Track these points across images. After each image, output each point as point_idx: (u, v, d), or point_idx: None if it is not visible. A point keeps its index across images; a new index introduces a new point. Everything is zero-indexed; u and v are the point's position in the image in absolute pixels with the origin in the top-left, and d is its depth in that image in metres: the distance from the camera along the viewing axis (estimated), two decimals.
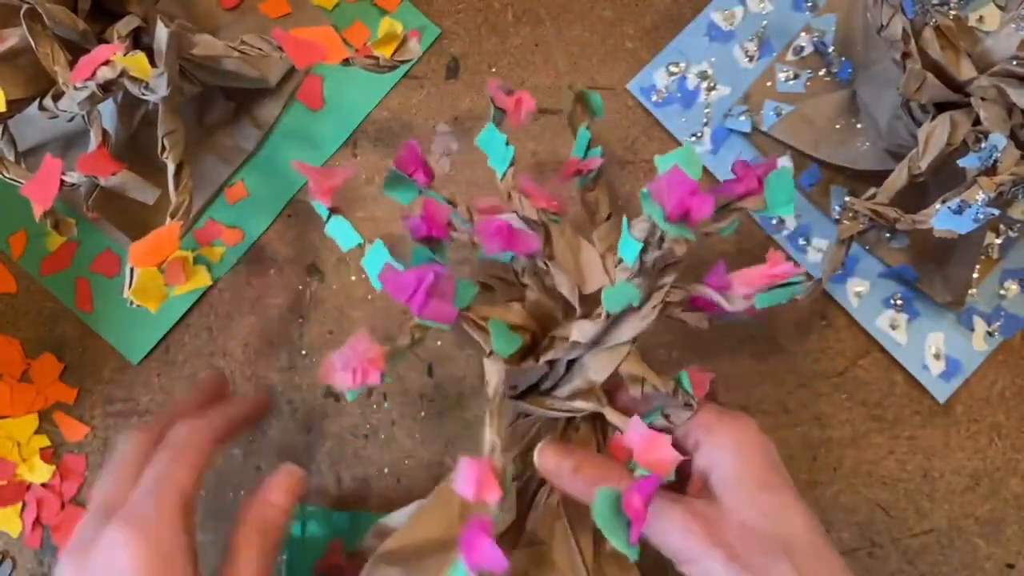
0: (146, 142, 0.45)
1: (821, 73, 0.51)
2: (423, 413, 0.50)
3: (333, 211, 0.40)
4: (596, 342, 0.38)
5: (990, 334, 0.50)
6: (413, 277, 0.34)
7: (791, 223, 0.51)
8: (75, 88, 0.39)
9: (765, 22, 0.52)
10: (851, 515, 0.49)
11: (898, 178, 0.43)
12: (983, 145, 0.40)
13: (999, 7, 0.44)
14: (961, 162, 0.41)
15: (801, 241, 0.51)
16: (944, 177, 0.44)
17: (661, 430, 0.37)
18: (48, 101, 0.43)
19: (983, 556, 0.49)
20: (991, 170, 0.40)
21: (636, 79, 0.52)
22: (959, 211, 0.39)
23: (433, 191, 0.40)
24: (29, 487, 0.49)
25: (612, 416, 0.37)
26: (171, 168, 0.43)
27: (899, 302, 0.50)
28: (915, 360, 0.50)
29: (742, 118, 0.51)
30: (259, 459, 0.50)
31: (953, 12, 0.50)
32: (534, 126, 0.52)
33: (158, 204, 0.44)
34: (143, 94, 0.41)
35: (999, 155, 0.40)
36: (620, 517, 0.32)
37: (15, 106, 0.42)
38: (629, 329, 0.37)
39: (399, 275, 0.35)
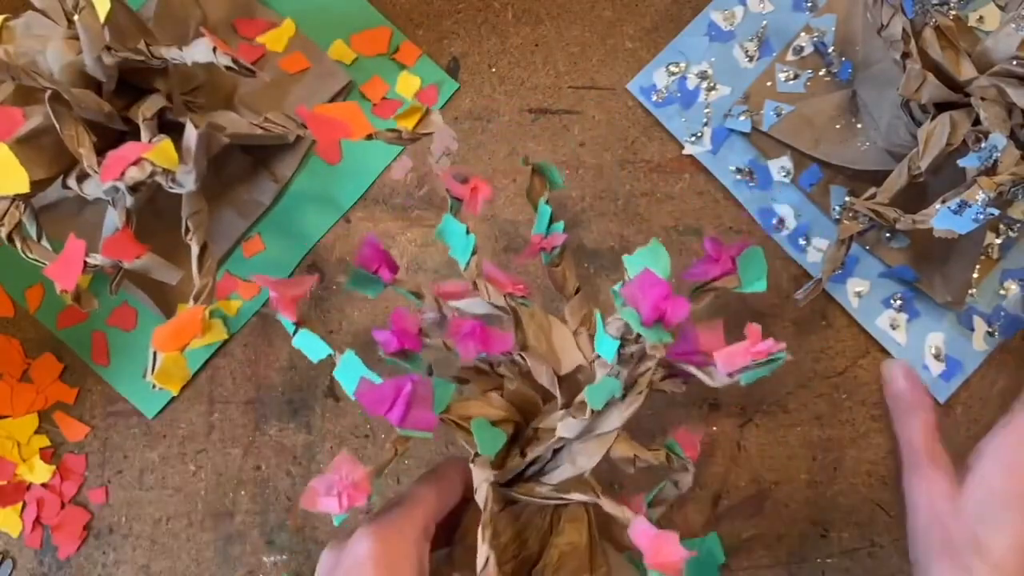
0: (165, 202, 0.45)
1: (821, 73, 0.51)
2: None
3: (299, 325, 0.39)
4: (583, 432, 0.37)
5: (990, 334, 0.50)
6: (391, 389, 0.34)
7: (791, 223, 0.51)
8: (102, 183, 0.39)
9: (765, 22, 0.52)
10: (851, 515, 0.49)
11: (898, 178, 0.43)
12: (983, 145, 0.40)
13: (999, 7, 0.44)
14: (961, 162, 0.41)
15: (801, 241, 0.51)
16: (944, 177, 0.44)
17: (672, 498, 0.39)
18: (72, 182, 0.43)
19: None
20: (991, 170, 0.40)
21: (636, 79, 0.52)
22: (959, 211, 0.39)
23: (399, 285, 0.40)
24: (29, 487, 0.49)
25: (611, 508, 0.37)
26: (195, 250, 0.43)
27: (899, 302, 0.50)
28: (915, 360, 0.50)
29: (742, 118, 0.51)
30: (259, 459, 0.50)
31: (953, 12, 0.50)
32: (534, 127, 0.52)
33: (182, 261, 0.43)
34: (170, 187, 0.40)
35: (999, 155, 0.40)
36: None
37: (38, 186, 0.42)
38: (615, 418, 0.36)
39: (375, 389, 0.34)
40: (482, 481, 0.36)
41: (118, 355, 0.51)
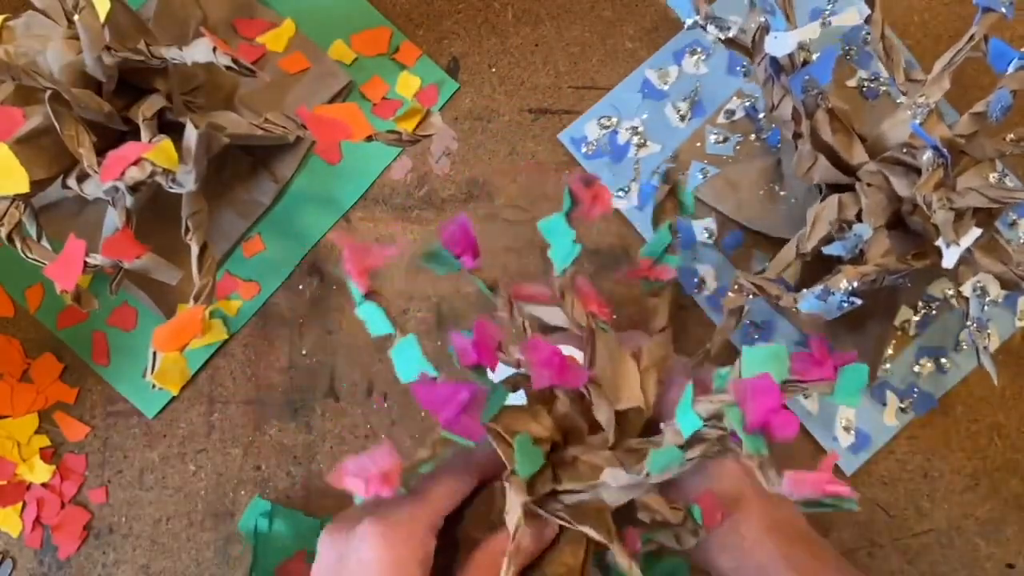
0: (165, 202, 0.45)
1: (751, 138, 0.51)
2: (423, 413, 0.50)
3: (368, 295, 0.37)
4: None
5: (902, 410, 0.50)
6: (448, 391, 0.33)
7: (711, 284, 0.50)
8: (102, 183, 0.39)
9: (699, 84, 0.52)
10: (851, 515, 0.49)
11: (787, 255, 0.42)
12: (847, 234, 0.40)
13: (902, 92, 0.43)
14: (826, 250, 0.40)
15: (721, 302, 0.50)
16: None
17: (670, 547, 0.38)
18: (72, 181, 0.43)
19: (983, 556, 0.49)
20: (859, 258, 0.40)
21: (568, 130, 0.52)
22: (823, 297, 0.39)
23: (477, 275, 0.39)
24: (29, 487, 0.49)
25: (621, 559, 0.36)
26: (195, 250, 0.43)
27: None
28: (825, 431, 0.49)
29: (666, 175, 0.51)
30: (259, 459, 0.50)
31: (884, 88, 0.50)
32: (534, 126, 0.52)
33: (182, 261, 0.43)
34: (170, 187, 0.40)
35: (863, 245, 0.39)
36: None
37: (38, 186, 0.42)
38: (657, 476, 0.36)
39: (433, 387, 0.34)
40: (516, 504, 0.35)
41: (118, 355, 0.51)
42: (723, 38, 0.41)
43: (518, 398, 0.37)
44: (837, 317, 0.40)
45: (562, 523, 0.37)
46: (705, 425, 0.34)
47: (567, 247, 0.39)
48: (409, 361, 0.35)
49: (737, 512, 0.38)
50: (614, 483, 0.36)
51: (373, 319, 0.37)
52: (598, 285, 0.50)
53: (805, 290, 0.40)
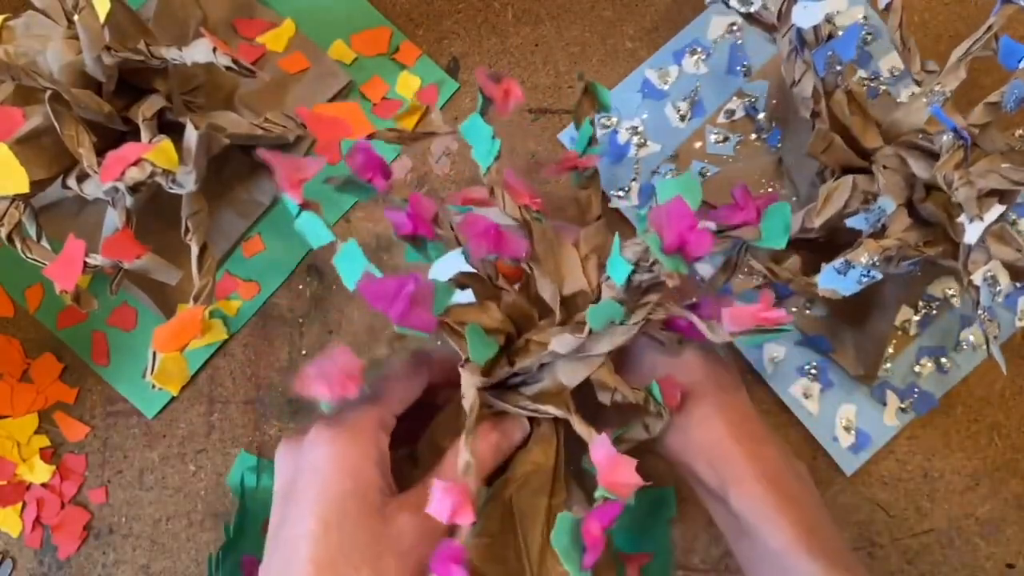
0: (166, 202, 0.45)
1: (752, 137, 0.51)
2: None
3: (304, 206, 0.37)
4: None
5: (903, 410, 0.49)
6: (393, 285, 0.33)
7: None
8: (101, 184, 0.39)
9: (699, 84, 0.52)
10: (851, 515, 0.49)
11: (792, 227, 0.42)
12: (872, 207, 0.40)
13: (916, 82, 0.43)
14: (849, 222, 0.40)
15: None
16: (847, 241, 0.43)
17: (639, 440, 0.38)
18: (72, 182, 0.43)
19: (983, 556, 0.49)
20: (880, 234, 0.40)
21: (568, 130, 0.52)
22: (843, 271, 0.38)
23: (392, 194, 0.39)
24: (29, 487, 0.49)
25: (579, 427, 0.36)
26: (195, 250, 0.43)
27: (813, 371, 0.50)
28: (825, 431, 0.49)
29: (668, 176, 0.51)
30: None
31: (884, 87, 0.50)
32: (534, 126, 0.52)
33: (182, 261, 0.43)
34: (170, 187, 0.40)
35: (887, 219, 0.39)
36: (577, 543, 0.32)
37: (38, 186, 0.42)
38: (607, 343, 0.37)
39: (378, 283, 0.34)
40: (470, 387, 0.35)
41: (118, 355, 0.51)
42: (744, 12, 0.41)
43: (466, 297, 0.37)
44: (834, 318, 0.40)
45: (525, 413, 0.38)
46: (635, 270, 0.34)
47: (487, 145, 0.39)
48: (353, 266, 0.35)
49: (691, 398, 0.39)
50: (561, 349, 0.36)
51: (313, 230, 0.37)
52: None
53: (824, 264, 0.39)
